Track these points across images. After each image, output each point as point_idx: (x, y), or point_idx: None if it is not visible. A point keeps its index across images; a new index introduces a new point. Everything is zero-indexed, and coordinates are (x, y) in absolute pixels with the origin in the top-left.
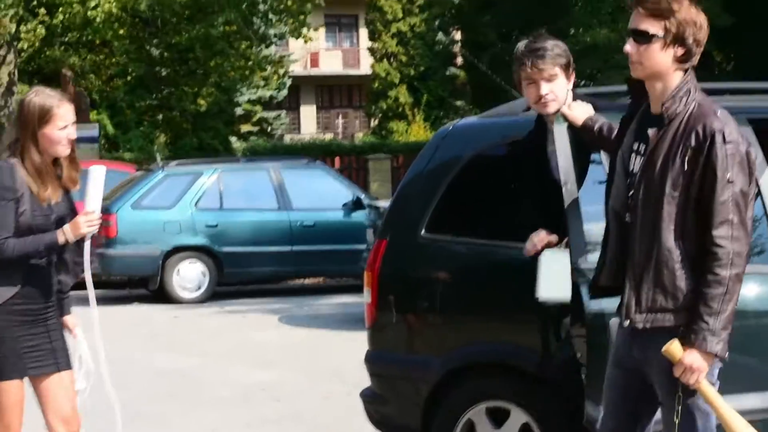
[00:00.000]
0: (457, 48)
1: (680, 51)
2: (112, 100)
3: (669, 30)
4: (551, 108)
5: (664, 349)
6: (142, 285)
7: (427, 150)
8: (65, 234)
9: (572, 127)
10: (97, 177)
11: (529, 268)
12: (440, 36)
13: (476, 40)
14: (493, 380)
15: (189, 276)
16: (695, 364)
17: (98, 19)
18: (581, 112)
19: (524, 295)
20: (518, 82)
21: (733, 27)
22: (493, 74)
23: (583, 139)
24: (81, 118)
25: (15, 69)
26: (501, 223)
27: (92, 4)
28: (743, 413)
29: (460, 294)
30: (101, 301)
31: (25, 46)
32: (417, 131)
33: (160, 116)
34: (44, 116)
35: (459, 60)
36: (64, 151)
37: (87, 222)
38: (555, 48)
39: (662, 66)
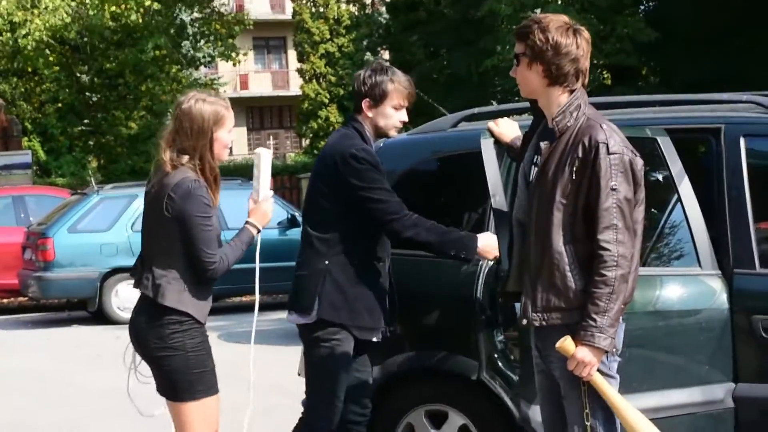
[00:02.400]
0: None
1: (541, 68)
2: (43, 127)
3: (528, 48)
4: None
5: (558, 345)
6: (81, 307)
7: None
8: (256, 226)
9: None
10: (267, 160)
11: (462, 276)
12: (368, 56)
13: (404, 59)
14: (430, 385)
15: (127, 297)
16: (586, 359)
17: (29, 47)
18: (508, 129)
19: (461, 303)
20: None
21: (657, 42)
22: (421, 92)
23: (510, 156)
24: (13, 145)
25: None
26: None
27: (22, 32)
28: (670, 408)
29: (399, 303)
30: (40, 324)
31: None
32: None
33: (92, 142)
34: (219, 121)
35: None
36: (226, 154)
37: (271, 208)
38: None
39: (532, 84)
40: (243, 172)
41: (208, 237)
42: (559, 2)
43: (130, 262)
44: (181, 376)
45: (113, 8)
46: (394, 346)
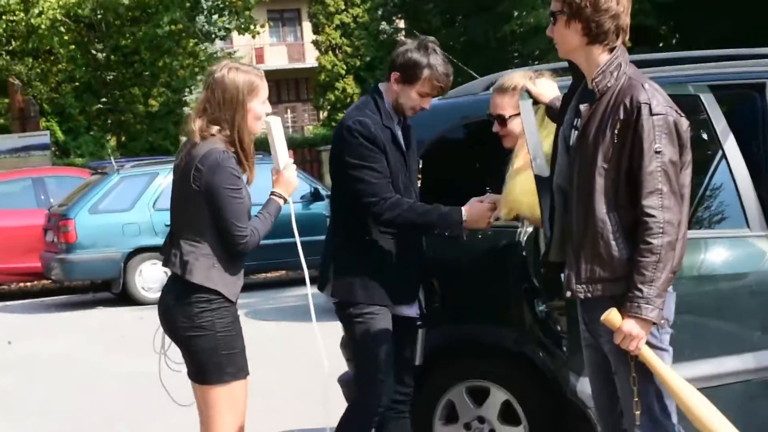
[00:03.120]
0: (401, 36)
1: (579, 26)
2: (60, 107)
3: (565, 5)
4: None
5: (603, 317)
6: (105, 288)
7: None
8: (282, 195)
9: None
10: (279, 128)
11: (501, 249)
12: (384, 25)
13: (420, 28)
14: (470, 360)
15: (152, 277)
16: (633, 332)
17: (42, 27)
18: (547, 89)
19: (499, 274)
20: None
21: (676, 2)
22: (446, 55)
23: (549, 117)
24: (30, 126)
25: None
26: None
27: (36, 11)
28: (723, 375)
29: (436, 278)
30: (65, 307)
31: None
32: None
33: (110, 120)
34: (252, 90)
35: None
36: (259, 127)
37: (294, 175)
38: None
39: (571, 43)
40: (262, 146)
41: (238, 210)
42: None
43: (153, 241)
44: (209, 357)
45: None
46: (433, 320)
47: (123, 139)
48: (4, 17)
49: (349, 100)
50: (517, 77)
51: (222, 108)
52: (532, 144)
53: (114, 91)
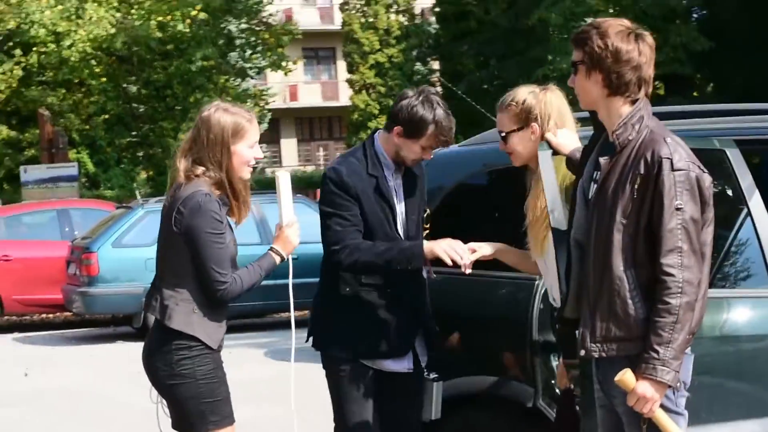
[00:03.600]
0: (435, 77)
1: (600, 77)
2: (91, 139)
3: (585, 55)
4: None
5: (616, 378)
6: (126, 322)
7: None
8: (279, 253)
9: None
10: (287, 183)
11: (518, 298)
12: (418, 66)
13: (454, 69)
14: (481, 413)
15: None
16: (648, 394)
17: (73, 59)
18: (567, 140)
19: (511, 326)
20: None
21: (711, 50)
22: (471, 101)
23: (569, 169)
24: (59, 157)
25: None
26: None
27: (66, 43)
28: None
29: (450, 326)
30: (85, 340)
31: (2, 87)
32: None
33: (141, 153)
34: (238, 132)
35: (438, 89)
36: (248, 172)
37: (296, 234)
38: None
39: (591, 94)
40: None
41: (218, 255)
42: (611, 11)
43: None
44: (192, 406)
45: (159, 18)
46: (442, 371)
47: (150, 173)
48: (35, 48)
49: None
50: (519, 92)
51: (206, 148)
52: (550, 196)
53: (144, 124)
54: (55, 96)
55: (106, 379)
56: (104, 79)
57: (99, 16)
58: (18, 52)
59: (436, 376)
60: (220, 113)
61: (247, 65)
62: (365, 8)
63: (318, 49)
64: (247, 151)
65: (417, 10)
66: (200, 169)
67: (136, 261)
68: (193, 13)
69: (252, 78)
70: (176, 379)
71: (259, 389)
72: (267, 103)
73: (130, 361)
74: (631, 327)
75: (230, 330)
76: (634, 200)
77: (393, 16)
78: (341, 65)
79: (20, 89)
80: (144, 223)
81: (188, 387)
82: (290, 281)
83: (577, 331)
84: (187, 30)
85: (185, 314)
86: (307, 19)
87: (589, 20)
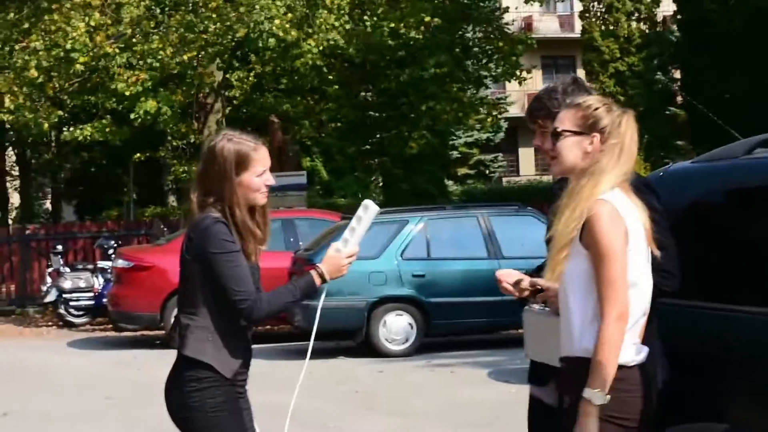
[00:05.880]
0: (676, 87)
1: None
2: (325, 146)
3: None
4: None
5: None
6: (348, 337)
7: None
8: (324, 275)
9: None
10: (371, 215)
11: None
12: (659, 75)
13: (696, 80)
14: None
15: (396, 328)
16: None
17: (301, 70)
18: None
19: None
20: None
21: None
22: (711, 114)
23: None
24: (288, 165)
25: (223, 117)
26: (730, 283)
27: (295, 52)
28: None
29: (692, 364)
30: (304, 354)
31: (237, 94)
32: (637, 171)
33: (374, 161)
34: (242, 162)
35: (679, 99)
36: (261, 199)
37: (350, 262)
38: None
39: None
40: (526, 196)
41: (234, 273)
42: None
43: (399, 291)
44: None
45: (392, 25)
46: (686, 412)
47: (382, 182)
48: (266, 55)
49: None
50: (593, 98)
51: (211, 179)
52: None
53: (377, 132)
54: (290, 102)
55: (326, 397)
56: (337, 87)
57: (329, 25)
58: (254, 58)
59: None
60: (224, 142)
61: (485, 73)
62: (606, 16)
63: (557, 57)
64: (255, 181)
65: (659, 18)
66: (210, 199)
67: (359, 274)
68: (427, 19)
69: (487, 87)
70: (186, 412)
71: (480, 414)
72: (502, 112)
73: (347, 379)
74: None
75: (455, 347)
76: None
77: (634, 24)
78: (580, 73)
79: (252, 96)
80: (369, 235)
81: (200, 421)
82: (320, 304)
83: None
84: (420, 37)
85: (200, 341)
86: (547, 27)
87: None
